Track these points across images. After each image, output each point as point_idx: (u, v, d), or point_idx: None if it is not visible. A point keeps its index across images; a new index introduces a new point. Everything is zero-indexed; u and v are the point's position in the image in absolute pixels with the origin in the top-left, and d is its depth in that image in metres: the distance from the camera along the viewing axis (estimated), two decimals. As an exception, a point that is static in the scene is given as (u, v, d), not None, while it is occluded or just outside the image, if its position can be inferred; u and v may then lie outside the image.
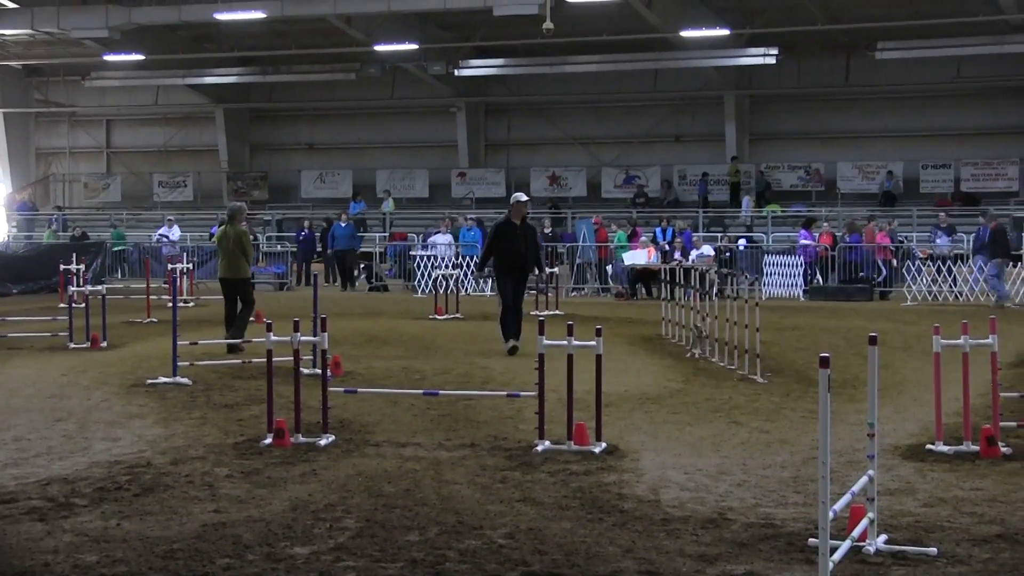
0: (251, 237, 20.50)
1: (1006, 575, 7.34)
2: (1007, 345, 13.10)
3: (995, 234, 31.98)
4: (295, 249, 40.51)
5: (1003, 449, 10.89)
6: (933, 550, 7.79)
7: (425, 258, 35.65)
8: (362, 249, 39.44)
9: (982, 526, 8.49)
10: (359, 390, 13.55)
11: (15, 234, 49.68)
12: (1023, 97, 42.20)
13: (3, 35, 45.65)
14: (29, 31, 42.88)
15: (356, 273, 39.13)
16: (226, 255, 19.92)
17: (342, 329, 19.20)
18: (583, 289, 36.04)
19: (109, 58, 45.57)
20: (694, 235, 36.80)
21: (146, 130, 54.08)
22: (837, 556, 7.22)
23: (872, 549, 7.74)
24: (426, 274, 34.34)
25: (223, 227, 20.63)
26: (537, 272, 20.41)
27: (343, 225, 37.69)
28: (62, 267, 27.86)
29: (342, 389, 13.05)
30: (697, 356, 17.90)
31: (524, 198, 19.46)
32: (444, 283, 27.86)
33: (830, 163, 44.29)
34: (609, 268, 36.37)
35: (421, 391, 14.01)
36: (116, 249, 42.74)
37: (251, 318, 20.12)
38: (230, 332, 19.43)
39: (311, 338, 12.55)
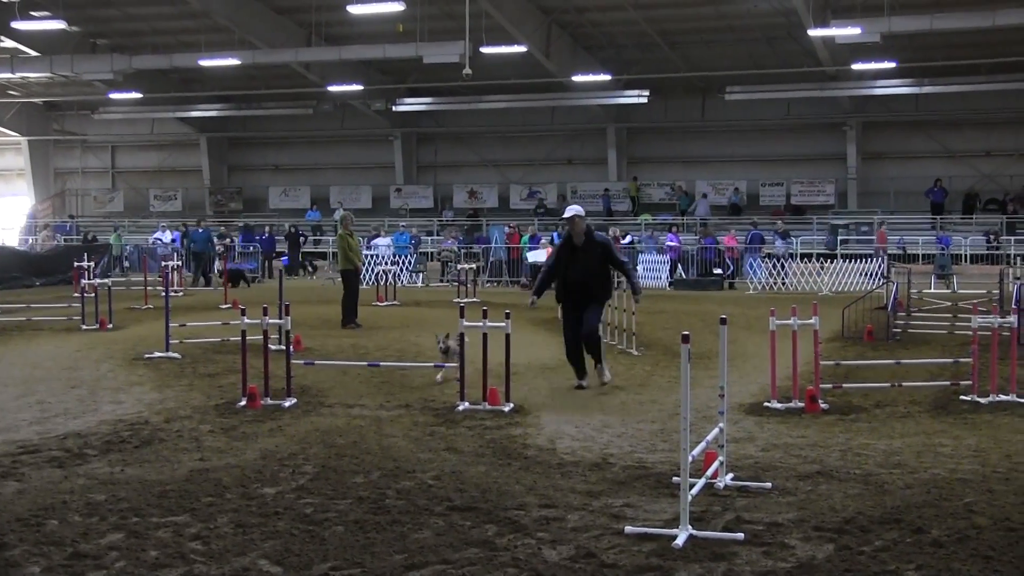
0: (351, 236, 20.59)
1: (823, 502, 7.46)
2: (826, 325, 13.29)
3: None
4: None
5: (822, 405, 11.07)
6: (768, 484, 7.91)
7: (369, 256, 35.28)
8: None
9: (805, 465, 8.62)
10: (316, 362, 13.49)
11: (42, 238, 48.64)
12: (838, 131, 42.75)
13: (27, 77, 45.24)
14: (49, 74, 42.31)
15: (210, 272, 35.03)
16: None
17: (301, 314, 19.01)
18: (496, 281, 35.89)
19: (114, 96, 45.03)
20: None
21: (143, 154, 53.32)
22: (695, 491, 7.29)
23: (722, 485, 7.83)
24: (370, 269, 33.87)
25: None
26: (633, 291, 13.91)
27: (200, 231, 35.28)
28: (76, 264, 27.33)
29: (302, 362, 12.98)
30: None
31: (581, 211, 12.98)
32: (384, 277, 27.69)
33: (690, 181, 44.44)
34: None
35: (366, 363, 13.94)
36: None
37: (351, 302, 20.05)
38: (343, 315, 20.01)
39: (278, 320, 12.44)
